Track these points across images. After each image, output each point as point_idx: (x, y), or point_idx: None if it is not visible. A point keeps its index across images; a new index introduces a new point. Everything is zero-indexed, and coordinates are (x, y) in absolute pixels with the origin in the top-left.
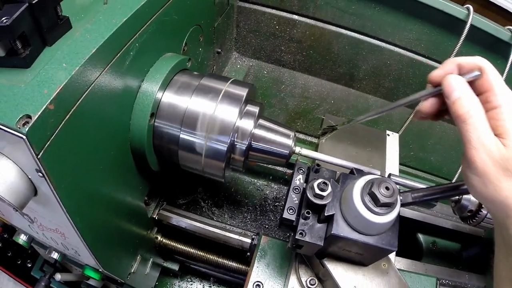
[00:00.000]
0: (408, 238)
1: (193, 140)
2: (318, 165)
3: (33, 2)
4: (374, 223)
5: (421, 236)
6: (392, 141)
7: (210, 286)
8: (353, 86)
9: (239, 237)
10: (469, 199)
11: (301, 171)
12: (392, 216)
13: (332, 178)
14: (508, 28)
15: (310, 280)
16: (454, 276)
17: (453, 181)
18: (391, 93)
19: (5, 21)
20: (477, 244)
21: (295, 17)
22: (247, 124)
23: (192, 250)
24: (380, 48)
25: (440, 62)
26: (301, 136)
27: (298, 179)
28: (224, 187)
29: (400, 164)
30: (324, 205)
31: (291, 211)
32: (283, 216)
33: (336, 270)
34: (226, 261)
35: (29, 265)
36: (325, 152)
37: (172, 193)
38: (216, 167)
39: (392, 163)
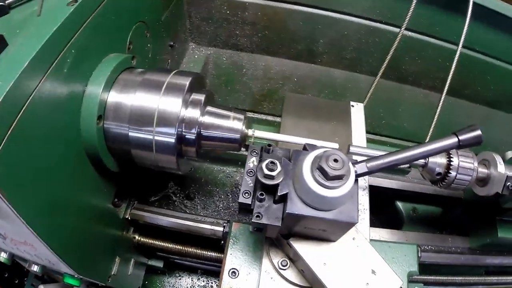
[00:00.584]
0: (387, 207)
1: (141, 136)
2: (269, 145)
3: None
4: (328, 198)
5: (400, 204)
6: (358, 111)
7: (199, 278)
8: (314, 61)
9: (211, 226)
10: (436, 162)
11: (254, 153)
12: (346, 188)
13: (285, 157)
14: None
15: (282, 261)
16: (436, 241)
17: None
18: (355, 64)
19: None
20: (458, 206)
21: None
22: (193, 113)
23: (170, 245)
24: (336, 20)
25: (398, 27)
26: (270, 118)
27: (252, 161)
28: (195, 179)
29: (373, 133)
30: (277, 185)
31: (246, 194)
32: (239, 200)
33: (303, 249)
34: (204, 252)
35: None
36: (287, 130)
37: (143, 191)
38: (169, 161)
39: (359, 135)
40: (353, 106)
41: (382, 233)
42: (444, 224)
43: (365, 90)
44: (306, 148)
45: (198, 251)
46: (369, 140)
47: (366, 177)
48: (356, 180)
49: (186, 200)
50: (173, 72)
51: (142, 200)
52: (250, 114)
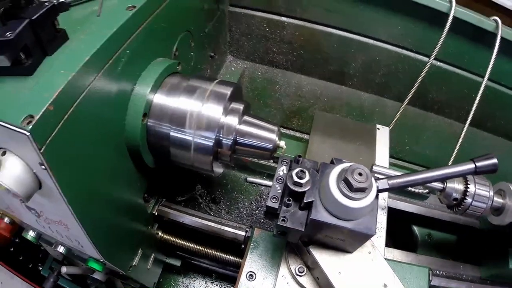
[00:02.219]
0: (403, 230)
1: (182, 137)
2: (299, 156)
3: (33, 18)
4: (350, 208)
5: (416, 228)
6: (383, 135)
7: (212, 282)
8: (345, 83)
9: (233, 230)
10: (454, 188)
11: (285, 162)
12: (367, 201)
13: (313, 168)
14: (493, 19)
15: (299, 268)
16: (448, 267)
17: None
18: (383, 89)
19: (9, 35)
20: (473, 235)
21: (284, 19)
22: (232, 121)
23: (191, 245)
24: (368, 45)
25: (427, 56)
26: (297, 134)
27: (282, 170)
28: (221, 184)
29: (395, 158)
30: (304, 192)
31: (274, 199)
32: (267, 204)
33: (322, 256)
34: (224, 255)
35: (40, 268)
36: (314, 147)
37: (171, 191)
38: (204, 161)
39: (382, 157)
40: (379, 129)
41: (396, 254)
42: (457, 252)
43: (391, 114)
44: (333, 162)
45: (217, 253)
46: (391, 164)
47: (386, 198)
48: (377, 195)
49: (211, 204)
50: (216, 81)
51: (170, 198)
52: (282, 130)
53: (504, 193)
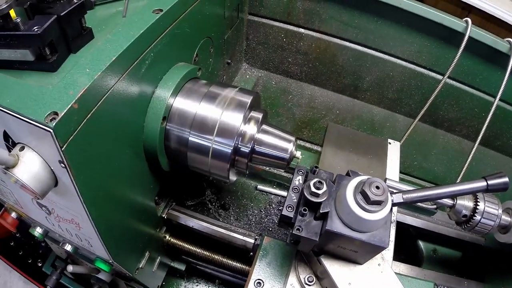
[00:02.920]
0: (409, 245)
1: (200, 142)
2: (316, 166)
3: (61, 14)
4: (366, 220)
5: (421, 243)
6: (394, 149)
7: None
8: (357, 97)
9: (243, 237)
10: (464, 205)
11: (301, 172)
12: (383, 214)
13: (329, 179)
14: (507, 40)
15: (308, 277)
16: (452, 283)
17: None
18: (395, 104)
19: (36, 30)
20: (478, 253)
21: (302, 30)
22: (251, 129)
23: (198, 250)
24: (383, 60)
25: (440, 73)
26: (307, 145)
27: (298, 180)
28: (231, 191)
29: (404, 173)
30: (320, 203)
31: (289, 208)
32: (283, 213)
33: (332, 267)
34: (230, 262)
35: (40, 264)
36: (327, 158)
37: (181, 195)
38: (221, 168)
39: (393, 170)
40: (390, 143)
41: (402, 267)
42: (462, 268)
43: (402, 129)
44: (349, 174)
45: (224, 259)
46: (400, 179)
47: (395, 212)
48: (391, 209)
49: (221, 210)
50: (237, 89)
51: (180, 202)
52: None
53: None
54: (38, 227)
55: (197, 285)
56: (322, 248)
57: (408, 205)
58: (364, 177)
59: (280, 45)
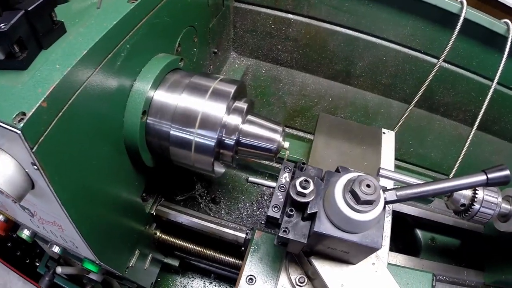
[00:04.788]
0: (406, 234)
1: (183, 136)
2: (303, 163)
3: (29, 9)
4: (356, 221)
5: (419, 232)
6: (388, 139)
7: (211, 282)
8: (350, 83)
9: (234, 232)
10: (461, 194)
11: (287, 169)
12: (374, 213)
13: (317, 176)
14: (504, 21)
15: (300, 278)
16: (451, 272)
17: (450, 176)
18: (389, 90)
19: (3, 27)
20: (477, 240)
21: (290, 16)
22: (235, 120)
23: (190, 246)
24: (375, 45)
25: (435, 57)
26: (300, 134)
27: (284, 177)
28: (222, 184)
29: (400, 160)
30: (307, 203)
31: (275, 209)
32: (268, 214)
33: (323, 268)
34: (223, 256)
35: (38, 264)
36: (318, 151)
37: (170, 190)
38: (205, 162)
39: (387, 161)
40: (384, 133)
41: (399, 258)
42: (461, 256)
43: (397, 115)
44: (339, 170)
45: (217, 254)
46: (395, 167)
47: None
48: (384, 207)
49: (211, 204)
50: (219, 79)
51: (169, 198)
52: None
53: None
54: (26, 229)
55: (192, 280)
56: (312, 248)
57: None
58: (355, 174)
59: (268, 32)
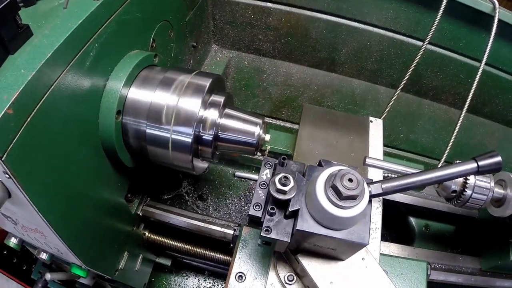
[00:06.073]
0: (399, 222)
1: (159, 134)
2: (284, 158)
3: None
4: (340, 217)
5: (413, 220)
6: (376, 127)
7: (205, 279)
8: (335, 70)
9: (221, 228)
10: (452, 180)
11: (268, 165)
12: (359, 209)
13: (299, 172)
14: (490, 0)
15: (288, 276)
16: (446, 259)
17: (441, 161)
18: (375, 75)
19: None
20: (472, 226)
21: (269, 4)
22: (212, 114)
23: (179, 245)
24: (359, 30)
25: (421, 40)
26: (287, 125)
27: (265, 174)
28: (209, 180)
29: (391, 147)
30: (289, 200)
31: (257, 207)
32: (250, 213)
33: (311, 265)
34: (213, 254)
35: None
36: (303, 144)
37: (156, 189)
38: (183, 160)
39: (376, 149)
40: (371, 121)
41: (393, 248)
42: (456, 243)
43: (384, 101)
44: (322, 164)
45: (207, 252)
46: (385, 153)
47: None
48: (370, 201)
49: (198, 201)
50: (194, 73)
51: (155, 197)
52: (268, 120)
53: (505, 183)
54: (13, 237)
55: (186, 278)
56: (298, 246)
57: None
58: (336, 169)
59: (248, 23)
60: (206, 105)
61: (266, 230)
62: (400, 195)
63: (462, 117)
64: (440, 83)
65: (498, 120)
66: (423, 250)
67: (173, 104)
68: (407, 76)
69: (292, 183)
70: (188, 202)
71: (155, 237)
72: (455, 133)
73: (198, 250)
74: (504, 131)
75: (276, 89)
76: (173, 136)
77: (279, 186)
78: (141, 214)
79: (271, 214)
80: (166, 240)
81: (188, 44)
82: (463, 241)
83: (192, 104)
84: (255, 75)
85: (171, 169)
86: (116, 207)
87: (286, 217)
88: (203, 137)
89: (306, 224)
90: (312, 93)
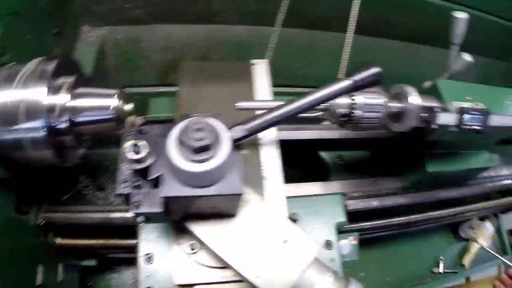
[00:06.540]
0: (310, 159)
1: (11, 137)
2: (143, 124)
3: None
4: (201, 173)
5: (324, 154)
6: (260, 69)
7: None
8: (213, 20)
9: (121, 214)
10: (338, 104)
11: (130, 137)
12: (220, 158)
13: (162, 135)
14: None
15: (191, 245)
16: (365, 186)
17: None
18: (257, 17)
19: None
20: (386, 148)
21: None
22: (62, 99)
23: (93, 242)
24: None
25: None
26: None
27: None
28: (104, 167)
29: (287, 86)
30: (147, 168)
31: (125, 184)
32: (117, 192)
33: (203, 229)
34: (129, 242)
35: None
36: (185, 104)
37: (53, 192)
38: (48, 157)
39: (262, 92)
40: (253, 64)
41: (305, 188)
42: (375, 167)
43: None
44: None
45: (122, 242)
46: (283, 94)
47: (275, 134)
48: (238, 146)
49: (97, 192)
50: (38, 60)
51: (55, 201)
52: (159, 88)
53: (401, 96)
54: None
55: (121, 274)
56: (183, 213)
57: (290, 120)
58: (186, 122)
59: None
60: (53, 90)
61: (136, 206)
62: (302, 132)
63: (348, 39)
64: (325, 12)
65: (400, 37)
66: (338, 183)
67: (15, 99)
68: (285, 8)
69: (146, 149)
70: (87, 196)
71: (67, 241)
72: (343, 56)
73: (113, 242)
74: (407, 48)
75: (158, 55)
76: (27, 135)
77: (131, 156)
78: (42, 223)
79: (138, 187)
80: (79, 242)
81: (48, 32)
82: (381, 165)
83: (36, 93)
84: (134, 46)
85: (61, 167)
86: (6, 224)
87: (155, 186)
88: (57, 126)
89: (170, 189)
90: (196, 51)
